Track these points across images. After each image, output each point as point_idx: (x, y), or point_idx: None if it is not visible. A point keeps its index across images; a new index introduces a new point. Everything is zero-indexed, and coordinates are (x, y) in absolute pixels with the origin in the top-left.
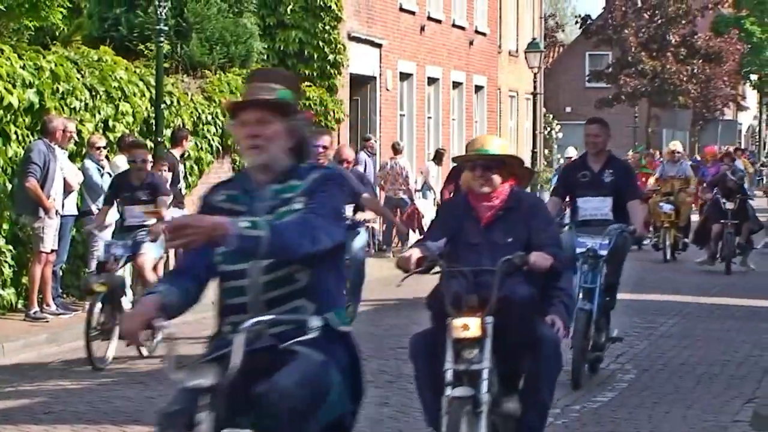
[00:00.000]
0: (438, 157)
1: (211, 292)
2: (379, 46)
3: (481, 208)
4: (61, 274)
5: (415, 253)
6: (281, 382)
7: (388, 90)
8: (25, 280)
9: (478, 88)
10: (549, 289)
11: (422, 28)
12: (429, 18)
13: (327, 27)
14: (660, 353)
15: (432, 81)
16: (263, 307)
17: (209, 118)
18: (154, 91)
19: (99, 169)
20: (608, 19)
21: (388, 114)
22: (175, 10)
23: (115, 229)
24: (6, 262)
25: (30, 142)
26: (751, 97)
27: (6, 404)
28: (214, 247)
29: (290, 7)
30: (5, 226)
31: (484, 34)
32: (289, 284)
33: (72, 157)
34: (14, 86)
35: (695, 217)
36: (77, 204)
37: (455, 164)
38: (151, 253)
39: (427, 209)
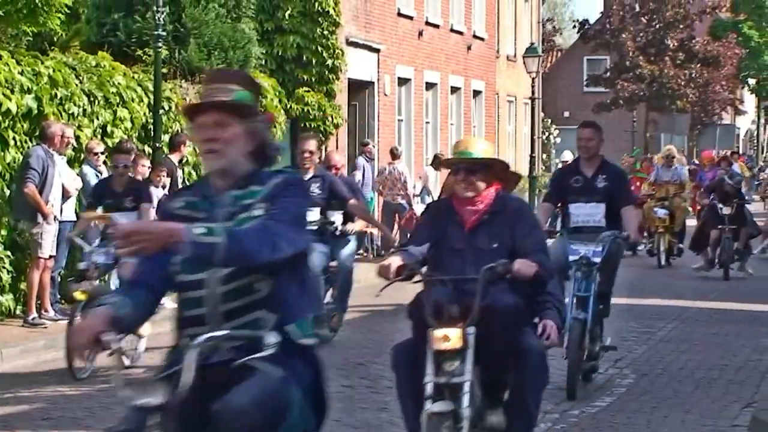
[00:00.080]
0: (436, 162)
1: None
2: (377, 51)
3: (465, 212)
4: (59, 279)
5: (395, 262)
6: (235, 401)
7: (386, 95)
8: (23, 285)
9: (476, 93)
10: (538, 294)
11: (420, 33)
12: (427, 23)
13: (325, 32)
14: (659, 358)
15: (430, 86)
16: (221, 319)
17: None
18: (152, 97)
19: (97, 175)
20: (606, 23)
21: (387, 119)
22: (173, 16)
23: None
24: (4, 267)
25: (28, 147)
26: (749, 101)
27: (4, 410)
28: (168, 255)
29: (288, 12)
30: (3, 232)
31: (482, 39)
32: (249, 295)
33: (70, 163)
34: (12, 92)
35: (693, 222)
36: (75, 210)
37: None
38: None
39: None
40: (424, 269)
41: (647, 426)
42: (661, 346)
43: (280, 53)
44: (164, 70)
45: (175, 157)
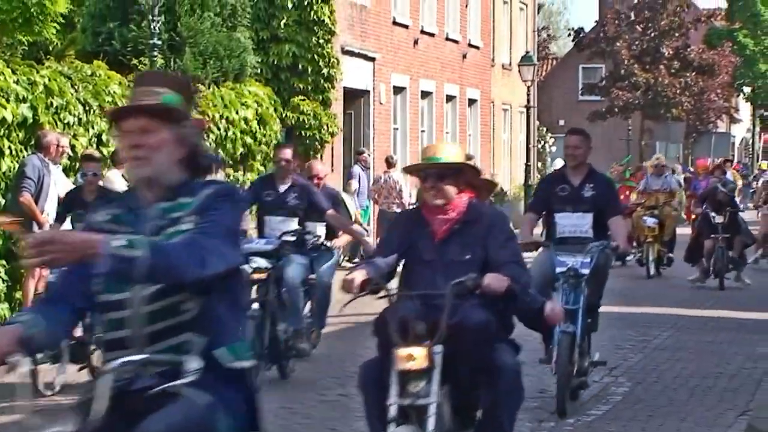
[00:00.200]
0: None
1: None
2: (373, 59)
3: (435, 221)
4: None
5: (359, 276)
6: (152, 428)
7: (381, 103)
8: (18, 294)
9: (472, 102)
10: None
11: (416, 42)
12: (422, 31)
13: (320, 41)
14: (654, 366)
15: (425, 94)
16: (145, 342)
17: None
18: None
19: None
20: (601, 32)
21: (382, 127)
22: (168, 25)
23: None
24: (0, 277)
25: (24, 156)
26: (744, 109)
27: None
28: (86, 269)
29: (284, 21)
30: None
31: (477, 48)
32: (175, 316)
33: (65, 172)
34: (8, 101)
35: (684, 231)
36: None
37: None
38: None
39: None
40: (394, 282)
41: None
42: (656, 354)
43: (275, 62)
44: None
45: None
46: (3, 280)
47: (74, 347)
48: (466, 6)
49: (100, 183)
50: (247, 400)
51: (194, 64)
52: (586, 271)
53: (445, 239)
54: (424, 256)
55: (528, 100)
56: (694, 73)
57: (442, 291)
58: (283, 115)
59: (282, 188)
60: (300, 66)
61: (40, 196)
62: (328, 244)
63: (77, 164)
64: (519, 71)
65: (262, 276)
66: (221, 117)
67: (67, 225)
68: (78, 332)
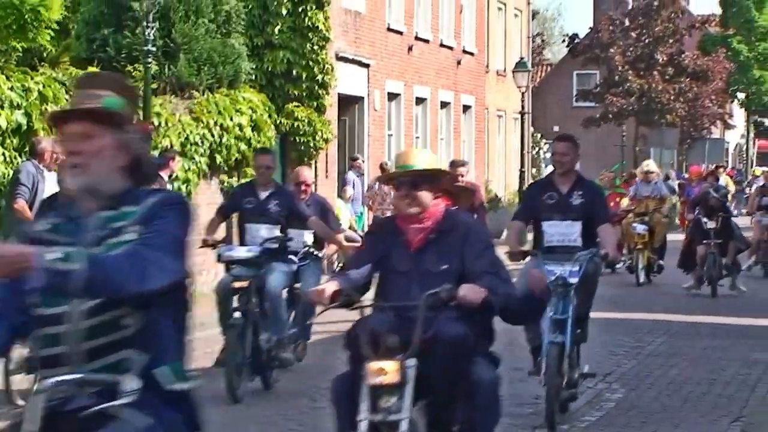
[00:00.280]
0: None
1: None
2: (367, 66)
3: (410, 231)
4: None
5: (330, 287)
6: None
7: (376, 110)
8: None
9: (466, 108)
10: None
11: (410, 48)
12: (417, 38)
13: (315, 47)
14: (647, 372)
15: (420, 101)
16: (83, 360)
17: (197, 138)
18: (141, 112)
19: None
20: (595, 38)
21: (376, 134)
22: (162, 31)
23: None
24: None
25: (18, 163)
26: (739, 115)
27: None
28: (20, 283)
29: (278, 27)
30: None
31: (471, 54)
32: (114, 331)
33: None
34: (2, 107)
35: (678, 237)
36: None
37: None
38: None
39: None
40: (369, 294)
41: None
42: (650, 360)
43: (270, 68)
44: (154, 86)
45: (164, 173)
46: None
47: None
48: (461, 12)
49: None
50: (188, 423)
51: (189, 70)
52: (574, 280)
53: (420, 249)
54: (399, 266)
55: (522, 107)
56: (688, 79)
57: (415, 302)
58: (278, 121)
59: (263, 195)
60: (294, 72)
61: (34, 202)
62: (319, 253)
63: None
64: (513, 77)
65: (244, 284)
66: (215, 123)
67: None
68: None
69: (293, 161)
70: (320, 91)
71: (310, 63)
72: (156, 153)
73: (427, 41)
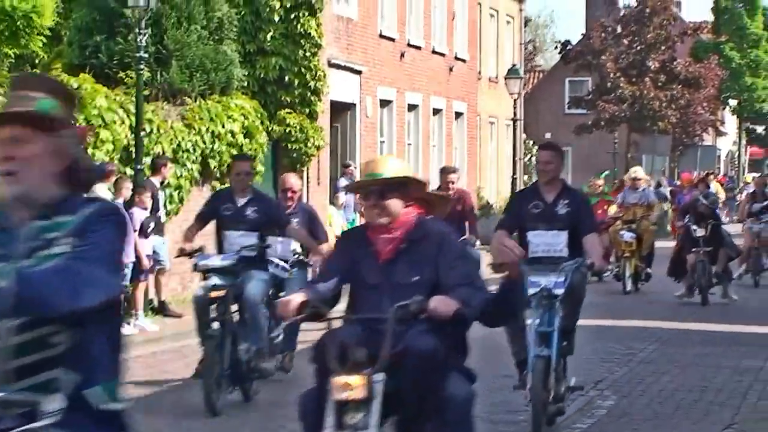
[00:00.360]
0: None
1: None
2: (359, 72)
3: (379, 241)
4: None
5: (297, 298)
6: None
7: (368, 116)
8: None
9: (458, 115)
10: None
11: (402, 55)
12: (409, 45)
13: (307, 54)
14: (639, 379)
15: (412, 107)
16: (11, 378)
17: (189, 145)
18: (134, 119)
19: None
20: (587, 44)
21: (368, 140)
22: (155, 38)
23: None
24: None
25: None
26: (730, 122)
27: None
28: None
29: (270, 34)
30: None
31: (463, 61)
32: (44, 350)
33: None
34: None
35: (670, 244)
36: None
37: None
38: None
39: None
40: (341, 306)
41: None
42: (642, 367)
43: (262, 75)
44: (146, 92)
45: (156, 180)
46: None
47: None
48: (453, 19)
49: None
50: None
51: (181, 77)
52: (560, 291)
53: (390, 260)
54: (369, 278)
55: (514, 113)
56: (680, 86)
57: (384, 315)
58: (270, 128)
59: (240, 202)
60: (286, 79)
61: None
62: (309, 261)
63: None
64: (505, 84)
65: (220, 294)
66: (207, 130)
67: None
68: None
69: (285, 168)
70: (312, 98)
71: (303, 70)
72: (148, 159)
73: (419, 48)
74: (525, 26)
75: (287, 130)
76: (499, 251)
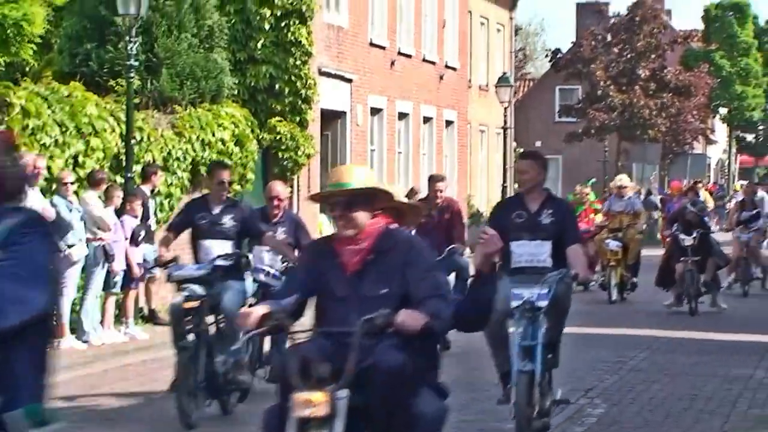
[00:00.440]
0: (410, 197)
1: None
2: (350, 81)
3: (345, 252)
4: None
5: (259, 310)
6: None
7: (358, 125)
8: None
9: (449, 123)
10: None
11: (392, 63)
12: (399, 53)
13: (297, 62)
14: (629, 387)
15: (402, 116)
16: None
17: (180, 153)
18: (124, 127)
19: (68, 205)
20: (577, 53)
21: (359, 149)
22: (145, 46)
23: None
24: None
25: None
26: (721, 130)
27: None
28: None
29: (261, 42)
30: None
31: (454, 69)
32: None
33: (42, 193)
34: None
35: (659, 252)
36: None
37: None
38: None
39: None
40: (306, 319)
41: None
42: (632, 375)
43: (252, 83)
44: (136, 100)
45: (146, 188)
46: None
47: None
48: (443, 27)
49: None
50: None
51: (171, 85)
52: (543, 303)
53: (357, 272)
54: (336, 291)
55: (505, 121)
56: (670, 95)
57: (350, 329)
58: (260, 136)
59: (216, 210)
60: (277, 87)
61: None
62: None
63: (54, 186)
64: (496, 92)
65: (195, 304)
66: (198, 138)
67: None
68: None
69: (275, 176)
70: (303, 106)
71: (293, 78)
72: (139, 167)
73: (409, 56)
74: (515, 34)
75: (278, 139)
76: (478, 237)
